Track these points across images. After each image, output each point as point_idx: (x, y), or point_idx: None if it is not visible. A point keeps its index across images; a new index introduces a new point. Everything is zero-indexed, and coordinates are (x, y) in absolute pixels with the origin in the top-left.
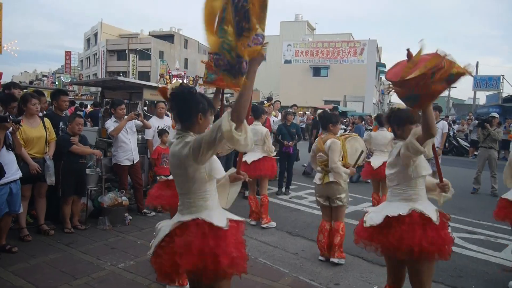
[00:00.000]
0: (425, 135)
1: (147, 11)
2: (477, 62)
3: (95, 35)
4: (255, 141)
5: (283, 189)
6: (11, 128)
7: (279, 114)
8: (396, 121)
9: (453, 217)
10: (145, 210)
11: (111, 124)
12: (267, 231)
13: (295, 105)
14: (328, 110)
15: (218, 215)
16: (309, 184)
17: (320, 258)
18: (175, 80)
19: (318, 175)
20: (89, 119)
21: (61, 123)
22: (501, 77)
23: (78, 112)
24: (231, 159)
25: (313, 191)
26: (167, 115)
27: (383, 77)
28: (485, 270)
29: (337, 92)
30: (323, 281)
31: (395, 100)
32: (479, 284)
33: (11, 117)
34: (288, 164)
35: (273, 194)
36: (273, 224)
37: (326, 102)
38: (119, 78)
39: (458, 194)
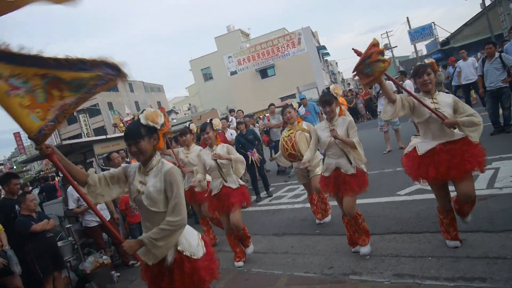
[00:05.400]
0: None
1: None
2: (407, 18)
3: None
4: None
5: (262, 194)
6: None
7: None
8: None
9: None
10: (131, 262)
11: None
12: (254, 240)
13: (224, 118)
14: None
15: None
16: (284, 182)
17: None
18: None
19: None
20: (43, 194)
21: (16, 206)
22: (432, 24)
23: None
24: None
25: (291, 186)
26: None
27: (328, 58)
28: None
29: (289, 86)
30: (317, 270)
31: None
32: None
33: None
34: (259, 168)
35: (252, 202)
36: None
37: (282, 98)
38: (64, 142)
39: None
